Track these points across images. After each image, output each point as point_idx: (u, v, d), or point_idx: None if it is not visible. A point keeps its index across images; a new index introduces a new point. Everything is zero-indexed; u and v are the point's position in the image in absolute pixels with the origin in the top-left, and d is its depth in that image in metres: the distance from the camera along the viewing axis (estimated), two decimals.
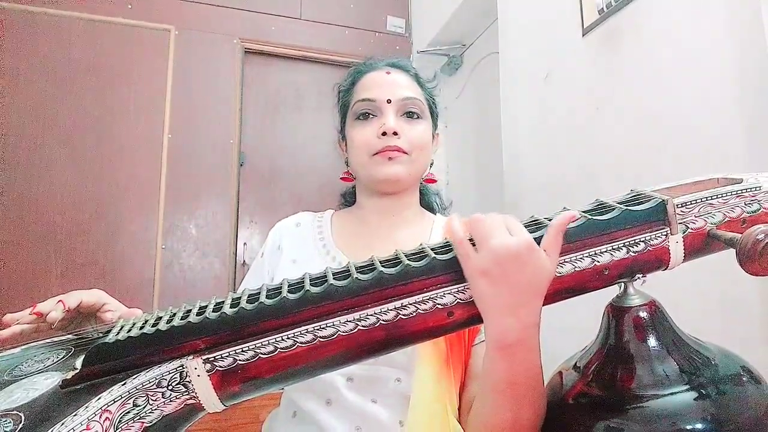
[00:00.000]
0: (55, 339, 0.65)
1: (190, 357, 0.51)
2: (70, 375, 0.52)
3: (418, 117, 0.90)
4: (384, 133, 0.85)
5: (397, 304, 0.50)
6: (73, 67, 2.24)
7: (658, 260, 0.48)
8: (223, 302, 0.55)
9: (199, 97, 2.41)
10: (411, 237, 0.90)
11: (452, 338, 0.75)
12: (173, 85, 2.37)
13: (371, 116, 0.89)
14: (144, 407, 0.50)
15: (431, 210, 1.01)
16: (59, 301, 0.71)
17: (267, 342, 0.51)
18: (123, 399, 0.50)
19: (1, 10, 2.16)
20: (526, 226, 0.52)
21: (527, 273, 0.48)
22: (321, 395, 0.78)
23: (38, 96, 2.19)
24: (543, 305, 0.51)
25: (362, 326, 0.51)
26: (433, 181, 1.00)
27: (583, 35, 1.55)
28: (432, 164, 0.97)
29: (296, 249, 0.92)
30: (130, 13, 2.36)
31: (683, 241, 0.48)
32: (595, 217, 0.49)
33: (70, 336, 0.66)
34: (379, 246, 0.88)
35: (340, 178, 0.98)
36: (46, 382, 0.54)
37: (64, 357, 0.60)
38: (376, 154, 0.86)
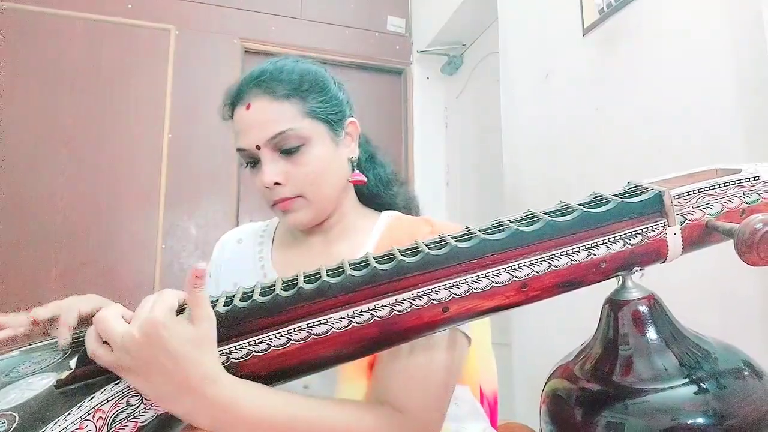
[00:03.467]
0: (53, 341, 0.65)
1: None
2: (64, 375, 0.52)
3: (299, 148, 0.78)
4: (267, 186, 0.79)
5: (391, 299, 0.50)
6: (73, 67, 2.24)
7: (656, 252, 0.48)
8: (216, 301, 0.55)
9: (199, 97, 2.41)
10: (349, 250, 0.83)
11: None
12: (173, 85, 2.37)
13: (255, 163, 0.81)
14: (138, 407, 0.50)
15: (380, 201, 0.92)
16: (62, 324, 0.69)
17: (260, 340, 0.51)
18: (116, 398, 0.50)
19: (1, 10, 2.17)
20: (520, 221, 0.51)
21: (164, 350, 0.48)
22: None
23: (38, 96, 2.19)
24: (543, 298, 0.50)
25: (356, 323, 0.50)
26: (360, 182, 0.87)
27: (583, 35, 1.55)
28: (353, 162, 0.86)
29: (236, 271, 0.90)
30: (130, 13, 2.36)
31: (681, 233, 0.47)
32: (590, 210, 0.48)
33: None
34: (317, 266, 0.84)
35: None
36: (42, 383, 0.54)
37: (60, 358, 0.60)
38: (272, 206, 0.82)
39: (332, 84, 0.85)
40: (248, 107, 0.79)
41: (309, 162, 0.78)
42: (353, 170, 0.86)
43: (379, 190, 0.92)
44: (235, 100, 0.81)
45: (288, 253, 0.89)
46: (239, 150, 0.81)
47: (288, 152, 0.78)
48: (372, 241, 0.84)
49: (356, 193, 0.91)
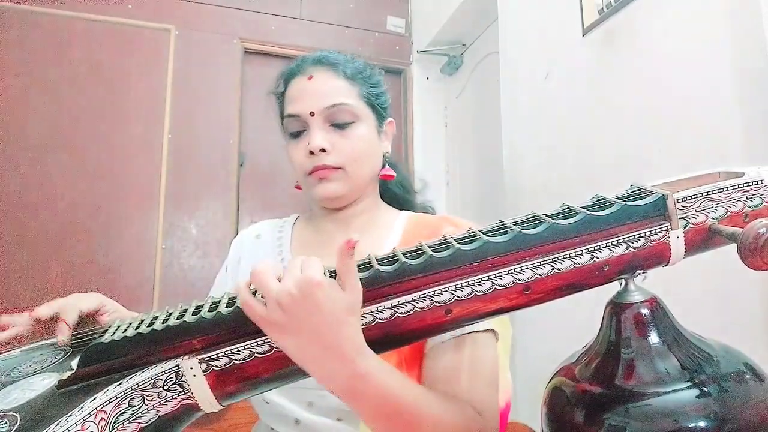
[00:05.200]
0: (54, 340, 0.65)
1: (186, 357, 0.51)
2: (66, 375, 0.52)
3: (350, 123, 0.82)
4: (312, 152, 0.81)
5: (393, 302, 0.50)
6: (73, 67, 2.24)
7: (659, 256, 0.48)
8: (219, 302, 0.55)
9: (199, 97, 2.41)
10: (369, 245, 0.82)
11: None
12: (173, 85, 2.37)
13: (300, 132, 0.83)
14: (140, 407, 0.50)
15: (399, 204, 0.96)
16: (61, 320, 0.69)
17: (263, 341, 0.51)
18: (118, 399, 0.50)
19: (1, 9, 2.16)
20: (523, 223, 0.51)
21: (319, 311, 0.48)
22: (287, 420, 0.77)
23: (38, 96, 2.19)
24: (546, 301, 0.50)
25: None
26: (390, 177, 0.90)
27: (583, 35, 1.55)
28: (387, 158, 0.90)
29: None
30: (130, 13, 2.36)
31: (684, 237, 0.48)
32: (594, 213, 0.48)
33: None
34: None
35: (295, 187, 0.92)
36: (43, 383, 0.54)
37: (62, 358, 0.60)
38: (309, 174, 0.82)
39: (383, 83, 0.91)
40: (310, 78, 0.83)
41: (356, 138, 0.82)
42: (383, 166, 0.90)
43: (401, 192, 0.96)
44: (295, 72, 0.86)
45: (308, 246, 0.90)
46: (289, 116, 0.84)
47: (339, 126, 0.82)
48: (395, 236, 0.85)
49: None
